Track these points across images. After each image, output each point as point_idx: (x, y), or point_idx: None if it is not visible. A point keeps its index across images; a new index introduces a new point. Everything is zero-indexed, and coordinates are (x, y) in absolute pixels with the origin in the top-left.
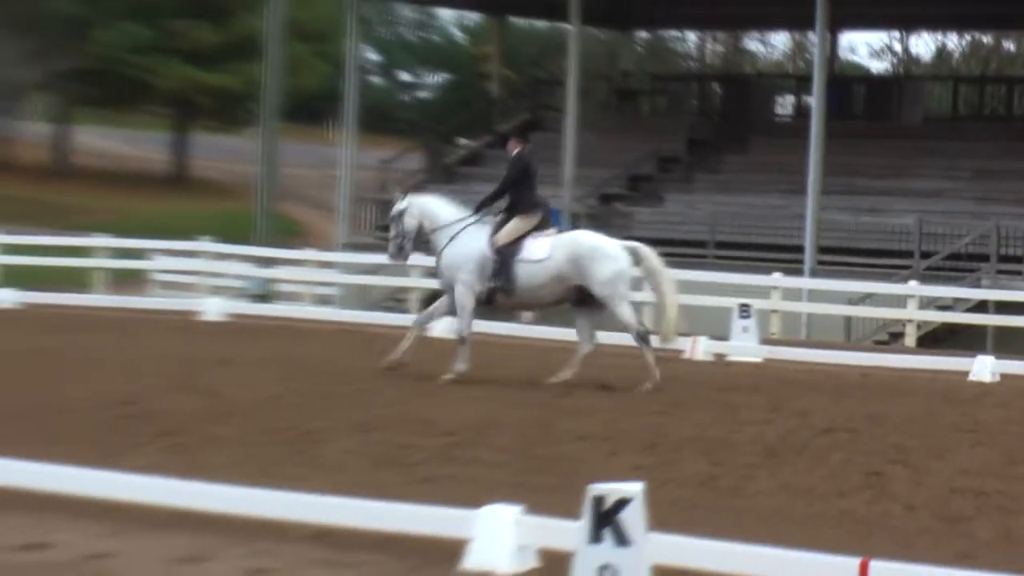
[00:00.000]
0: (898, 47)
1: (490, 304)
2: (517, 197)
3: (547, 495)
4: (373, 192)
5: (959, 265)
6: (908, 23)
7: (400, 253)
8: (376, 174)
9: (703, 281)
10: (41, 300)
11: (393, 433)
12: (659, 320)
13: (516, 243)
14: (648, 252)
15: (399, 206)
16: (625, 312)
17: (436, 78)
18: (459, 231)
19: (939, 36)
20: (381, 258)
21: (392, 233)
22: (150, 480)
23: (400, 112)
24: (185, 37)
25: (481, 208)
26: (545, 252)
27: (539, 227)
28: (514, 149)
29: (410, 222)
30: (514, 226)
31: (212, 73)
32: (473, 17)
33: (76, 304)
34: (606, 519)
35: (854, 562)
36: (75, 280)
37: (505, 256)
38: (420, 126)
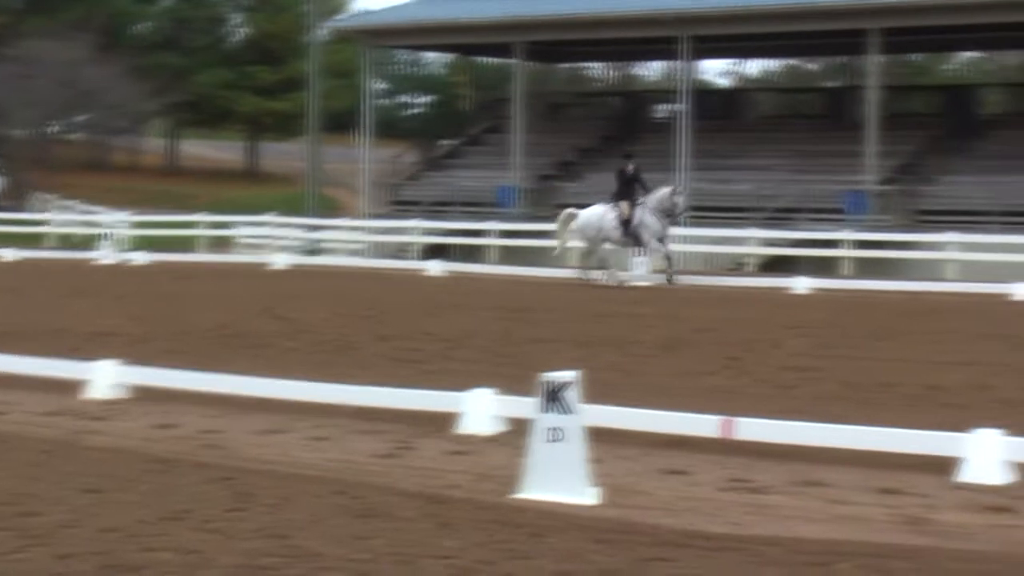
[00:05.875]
0: (736, 69)
1: None
2: None
3: (512, 381)
4: (384, 178)
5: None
6: (744, 53)
7: None
8: (386, 166)
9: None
10: (162, 259)
11: (406, 341)
12: None
13: None
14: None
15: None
16: None
17: (425, 99)
18: None
19: (766, 61)
20: (390, 222)
21: None
22: (243, 378)
23: (401, 123)
24: (254, 77)
25: None
26: None
27: None
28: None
29: None
30: None
31: (273, 101)
32: (449, 57)
33: (186, 261)
34: (553, 396)
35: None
36: (184, 244)
37: None
38: (415, 132)
